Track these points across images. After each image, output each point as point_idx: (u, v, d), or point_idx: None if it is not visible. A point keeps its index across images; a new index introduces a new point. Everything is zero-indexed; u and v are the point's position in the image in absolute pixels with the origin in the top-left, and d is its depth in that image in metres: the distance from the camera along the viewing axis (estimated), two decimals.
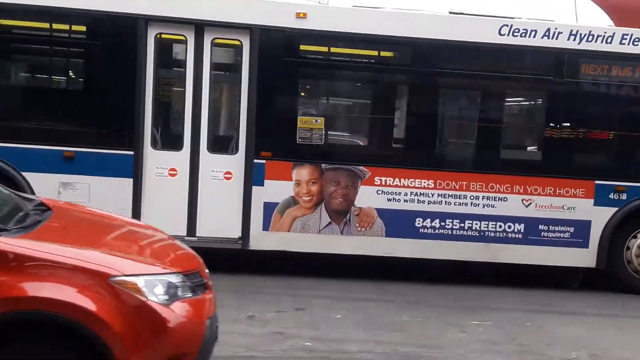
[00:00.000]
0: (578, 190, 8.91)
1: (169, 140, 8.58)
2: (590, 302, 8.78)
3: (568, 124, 9.03)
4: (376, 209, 8.69)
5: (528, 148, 9.40)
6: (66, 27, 8.37)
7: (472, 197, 8.80)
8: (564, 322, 7.76)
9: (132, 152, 8.27)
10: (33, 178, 8.13)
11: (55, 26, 8.35)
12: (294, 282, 8.49)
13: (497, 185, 8.83)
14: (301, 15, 8.49)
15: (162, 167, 8.42)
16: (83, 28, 8.40)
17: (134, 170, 8.28)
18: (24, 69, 8.82)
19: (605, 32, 8.94)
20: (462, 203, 8.78)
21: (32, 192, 8.15)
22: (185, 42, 8.44)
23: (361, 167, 8.67)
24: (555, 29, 8.81)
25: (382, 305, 7.86)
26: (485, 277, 9.23)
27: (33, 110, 8.41)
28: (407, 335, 6.83)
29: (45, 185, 8.14)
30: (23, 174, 8.12)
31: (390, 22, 8.62)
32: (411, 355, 6.24)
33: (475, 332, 7.09)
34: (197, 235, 8.55)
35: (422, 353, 6.33)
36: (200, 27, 8.45)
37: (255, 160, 8.45)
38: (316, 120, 8.65)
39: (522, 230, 8.88)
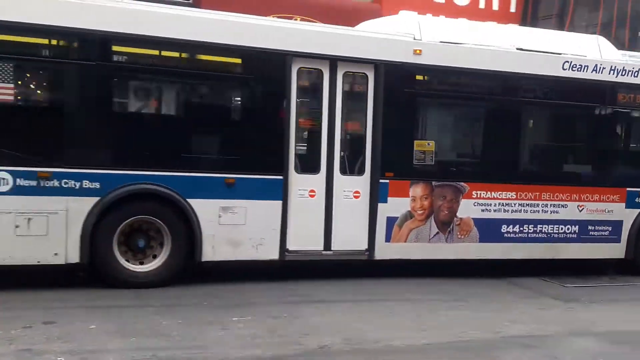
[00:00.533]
0: (615, 196, 11.05)
1: (309, 164, 9.47)
2: (347, 289, 9.28)
3: (609, 143, 11.03)
4: (473, 218, 10.18)
5: (582, 163, 11.20)
6: (225, 60, 9.02)
7: (542, 205, 10.63)
8: (321, 311, 8.18)
9: (281, 177, 9.11)
10: (196, 204, 8.71)
11: (214, 59, 8.97)
12: (41, 294, 8.16)
13: (560, 194, 10.75)
14: (417, 52, 9.75)
15: (303, 189, 9.32)
16: (239, 61, 9.09)
17: (282, 193, 9.13)
18: (190, 105, 9.18)
19: (633, 68, 11.01)
20: (535, 210, 10.58)
21: (196, 217, 8.79)
22: (321, 74, 9.41)
23: (462, 183, 10.10)
24: (601, 64, 10.75)
25: (140, 311, 7.73)
26: (239, 273, 9.43)
27: (197, 141, 8.95)
28: (167, 339, 6.81)
29: (207, 210, 8.77)
30: (188, 200, 8.68)
31: (484, 58, 10.02)
32: (172, 359, 6.31)
33: (235, 328, 7.25)
34: (332, 249, 9.53)
35: (182, 355, 6.35)
36: (334, 61, 9.44)
37: (380, 181, 9.65)
38: (428, 144, 9.96)
39: (576, 231, 10.75)
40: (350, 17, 15.63)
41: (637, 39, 25.21)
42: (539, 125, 11.10)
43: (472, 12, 24.41)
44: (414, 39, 9.89)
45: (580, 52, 11.05)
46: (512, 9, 26.25)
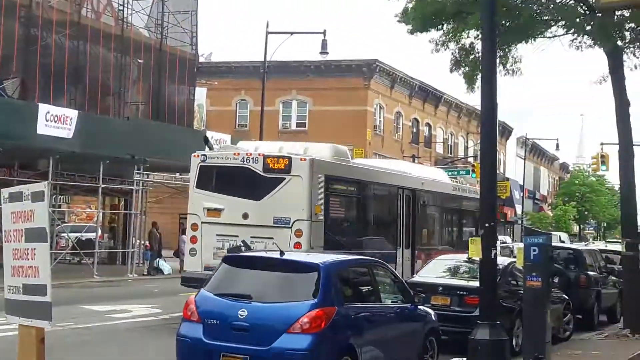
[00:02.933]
0: None
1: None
2: None
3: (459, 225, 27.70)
4: None
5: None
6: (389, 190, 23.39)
7: None
8: None
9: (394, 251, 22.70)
10: None
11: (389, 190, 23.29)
12: None
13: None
14: (423, 183, 25.20)
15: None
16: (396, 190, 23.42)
17: (395, 259, 22.26)
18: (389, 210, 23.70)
19: (462, 186, 28.52)
20: None
21: None
22: (400, 194, 23.68)
23: None
24: (456, 186, 27.99)
25: None
26: None
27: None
28: None
29: None
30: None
31: (434, 185, 26.43)
32: None
33: None
34: None
35: None
36: (401, 188, 23.66)
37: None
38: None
39: None
40: None
41: None
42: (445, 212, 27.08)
43: None
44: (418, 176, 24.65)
45: (443, 179, 27.51)
46: None
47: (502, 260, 14.07)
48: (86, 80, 29.98)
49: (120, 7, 32.19)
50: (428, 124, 63.34)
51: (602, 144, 49.01)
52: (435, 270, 16.47)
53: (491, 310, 11.46)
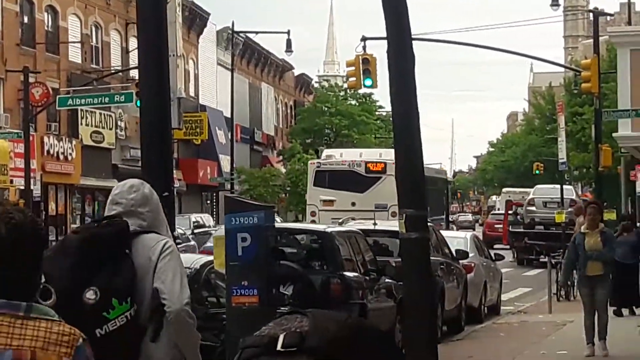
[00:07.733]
0: None
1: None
2: None
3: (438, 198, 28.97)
4: None
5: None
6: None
7: None
8: None
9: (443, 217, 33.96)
10: None
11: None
12: None
13: None
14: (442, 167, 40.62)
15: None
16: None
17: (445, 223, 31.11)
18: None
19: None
20: None
21: None
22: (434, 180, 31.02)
23: None
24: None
25: None
26: None
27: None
28: None
29: None
30: None
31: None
32: None
33: None
34: None
35: None
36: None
37: None
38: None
39: None
40: None
41: None
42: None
43: None
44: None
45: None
46: None
47: (190, 260, 7.52)
48: None
49: None
50: (51, 8, 31.59)
51: (364, 38, 22.44)
52: None
53: None
